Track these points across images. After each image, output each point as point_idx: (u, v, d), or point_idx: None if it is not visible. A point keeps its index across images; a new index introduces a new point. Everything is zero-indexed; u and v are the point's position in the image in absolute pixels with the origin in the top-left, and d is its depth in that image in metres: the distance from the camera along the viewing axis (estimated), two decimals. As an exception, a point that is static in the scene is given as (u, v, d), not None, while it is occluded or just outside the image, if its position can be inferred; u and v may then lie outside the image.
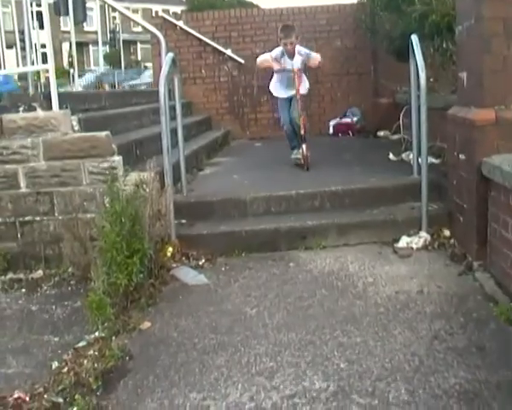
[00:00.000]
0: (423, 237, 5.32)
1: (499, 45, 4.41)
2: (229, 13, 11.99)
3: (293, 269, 5.00)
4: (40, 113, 5.66)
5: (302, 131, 7.24)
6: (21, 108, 5.84)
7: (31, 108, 5.82)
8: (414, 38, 5.77)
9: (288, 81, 7.40)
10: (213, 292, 4.66)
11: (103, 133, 5.47)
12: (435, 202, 5.61)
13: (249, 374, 3.35)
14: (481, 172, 4.43)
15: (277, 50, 7.37)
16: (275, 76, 7.69)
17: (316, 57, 7.40)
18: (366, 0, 10.58)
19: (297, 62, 7.31)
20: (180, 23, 11.64)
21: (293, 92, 7.35)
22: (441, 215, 5.47)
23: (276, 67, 7.35)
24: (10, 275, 5.53)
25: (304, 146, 7.26)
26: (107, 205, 4.70)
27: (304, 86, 7.54)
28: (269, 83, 7.86)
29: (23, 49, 7.35)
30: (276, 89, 7.76)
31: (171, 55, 5.94)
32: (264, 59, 7.53)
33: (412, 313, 3.97)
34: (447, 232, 5.36)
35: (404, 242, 5.31)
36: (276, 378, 3.27)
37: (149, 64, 33.15)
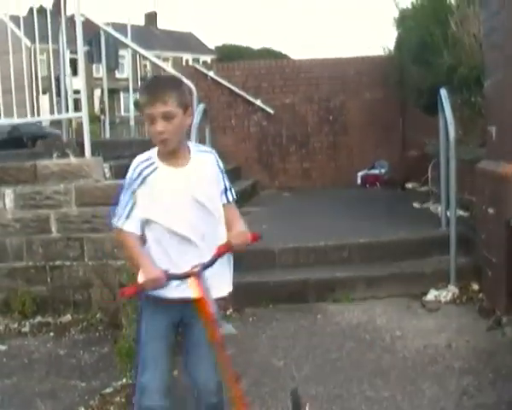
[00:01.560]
0: (451, 290, 5.29)
1: (529, 101, 4.43)
2: (259, 63, 12.16)
3: (320, 321, 4.99)
4: (73, 159, 5.76)
5: None
6: (55, 155, 5.95)
7: (64, 155, 5.93)
8: (443, 91, 5.82)
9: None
10: (241, 342, 4.66)
11: (134, 181, 5.53)
12: (463, 256, 5.58)
13: (277, 427, 3.34)
14: (510, 226, 4.42)
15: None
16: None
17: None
18: (394, 52, 10.66)
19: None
20: (211, 73, 11.79)
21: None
22: (470, 269, 5.44)
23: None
24: (39, 318, 5.58)
25: None
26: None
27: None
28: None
29: (57, 94, 7.50)
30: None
31: (202, 106, 6.06)
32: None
33: (440, 368, 3.94)
34: (476, 286, 5.33)
35: (432, 295, 5.29)
36: (303, 432, 3.25)
37: (179, 112, 33.46)
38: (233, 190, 2.98)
